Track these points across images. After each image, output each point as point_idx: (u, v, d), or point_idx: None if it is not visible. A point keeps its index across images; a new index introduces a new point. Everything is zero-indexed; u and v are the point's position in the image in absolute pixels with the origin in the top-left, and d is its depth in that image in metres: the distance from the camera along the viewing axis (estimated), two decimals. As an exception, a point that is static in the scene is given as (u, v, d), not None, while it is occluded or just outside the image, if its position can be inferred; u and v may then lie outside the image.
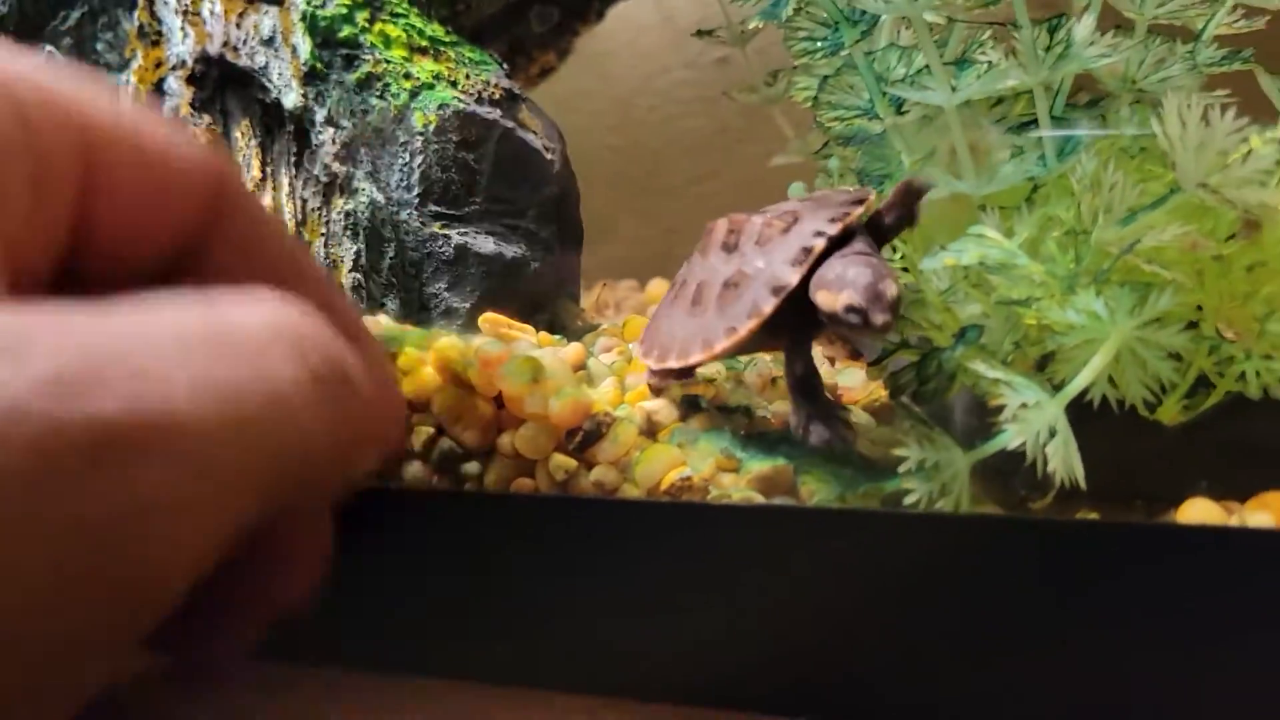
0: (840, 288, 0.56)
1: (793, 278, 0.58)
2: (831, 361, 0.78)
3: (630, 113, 1.50)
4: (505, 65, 0.86)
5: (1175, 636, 0.49)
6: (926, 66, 0.63)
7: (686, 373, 0.66)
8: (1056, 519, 0.53)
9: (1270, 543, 0.49)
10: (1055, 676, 0.51)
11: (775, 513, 0.55)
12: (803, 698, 0.54)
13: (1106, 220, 0.54)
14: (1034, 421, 0.52)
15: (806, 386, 0.61)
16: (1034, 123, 0.63)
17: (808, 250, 0.58)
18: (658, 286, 1.19)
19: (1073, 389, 0.53)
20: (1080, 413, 0.53)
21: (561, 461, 0.60)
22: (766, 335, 0.60)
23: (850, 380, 0.73)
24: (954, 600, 0.52)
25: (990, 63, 0.62)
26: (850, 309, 0.55)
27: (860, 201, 0.61)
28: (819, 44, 0.66)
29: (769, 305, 0.58)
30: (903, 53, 0.66)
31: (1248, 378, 0.54)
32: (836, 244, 0.59)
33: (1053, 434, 0.52)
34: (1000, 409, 0.54)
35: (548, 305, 0.81)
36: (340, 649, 0.62)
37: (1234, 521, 0.52)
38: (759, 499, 0.57)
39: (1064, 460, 0.52)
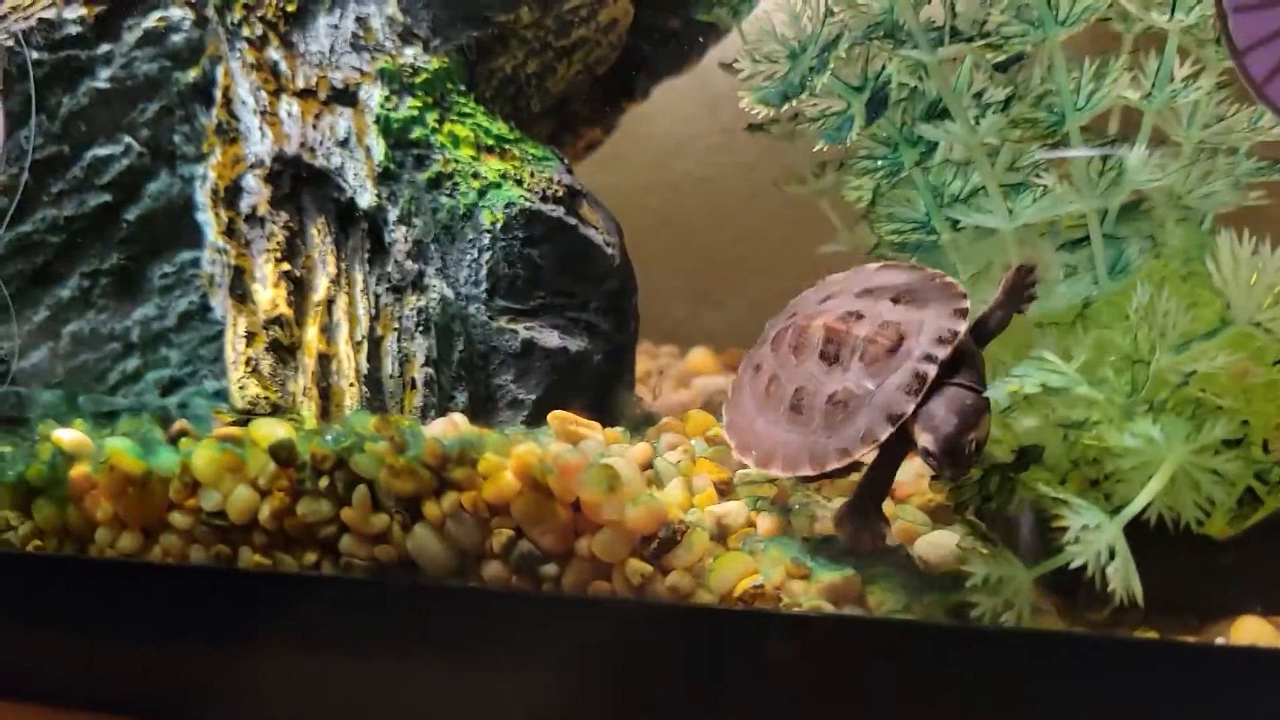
0: (928, 429, 0.58)
1: (908, 407, 0.59)
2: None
3: (665, 176, 1.52)
4: (565, 159, 0.89)
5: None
6: (983, 187, 0.66)
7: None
8: (1120, 636, 0.56)
9: (1322, 666, 0.52)
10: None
11: (846, 622, 0.58)
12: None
13: (1162, 347, 0.57)
14: (1095, 542, 0.55)
15: (876, 494, 0.63)
16: (1084, 240, 0.66)
17: (921, 379, 0.59)
18: (700, 357, 1.22)
19: (1130, 511, 0.56)
20: (1136, 527, 0.56)
21: (637, 566, 0.63)
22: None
23: (902, 474, 0.76)
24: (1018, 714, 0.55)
25: (1046, 186, 0.65)
26: (927, 453, 0.58)
27: (964, 313, 0.61)
28: (879, 163, 0.69)
29: (884, 433, 0.59)
30: (959, 169, 0.69)
31: (1297, 501, 0.57)
32: (946, 368, 0.60)
33: (1112, 554, 0.55)
34: (1059, 526, 0.57)
35: (609, 395, 0.84)
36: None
37: (1288, 642, 0.54)
38: (829, 608, 0.60)
39: (1123, 580, 0.54)
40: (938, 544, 0.66)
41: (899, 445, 0.61)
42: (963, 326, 0.61)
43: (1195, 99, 0.65)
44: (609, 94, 1.13)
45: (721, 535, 0.65)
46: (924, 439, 0.58)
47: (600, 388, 0.83)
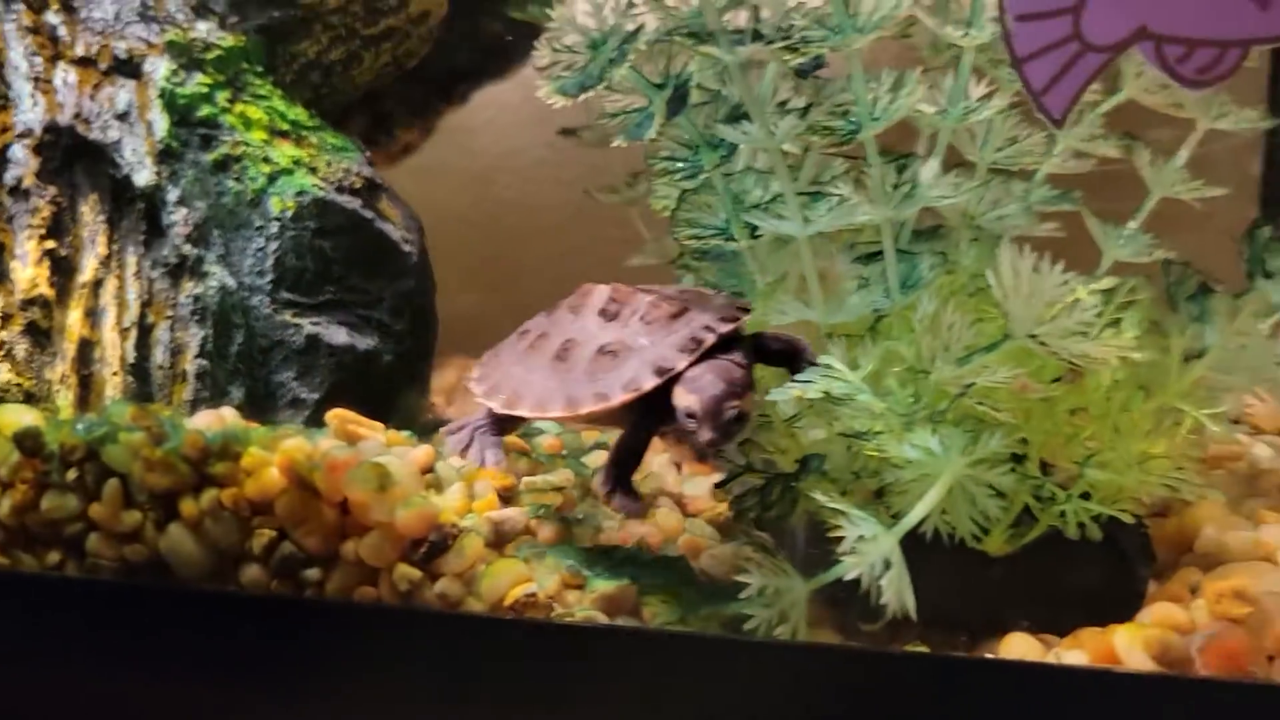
0: (691, 390, 0.58)
1: (679, 363, 0.59)
2: (679, 467, 0.79)
3: (488, 190, 1.50)
4: (367, 150, 0.86)
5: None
6: (781, 194, 0.65)
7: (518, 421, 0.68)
8: (886, 650, 0.55)
9: (1083, 681, 0.52)
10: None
11: (616, 634, 0.56)
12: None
13: (945, 360, 0.56)
14: (870, 553, 0.54)
15: (628, 461, 0.63)
16: (880, 254, 0.65)
17: (698, 341, 0.60)
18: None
19: (908, 523, 0.55)
20: (913, 543, 0.56)
21: (405, 572, 0.59)
22: (624, 410, 0.61)
23: (695, 489, 0.75)
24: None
25: (841, 196, 0.64)
26: (689, 414, 0.57)
27: (747, 310, 0.63)
28: (679, 165, 0.68)
29: (649, 383, 0.59)
30: (759, 177, 0.68)
31: (1067, 517, 0.57)
32: (722, 344, 0.60)
33: (888, 566, 0.54)
34: (837, 537, 0.56)
35: (398, 399, 0.80)
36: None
37: (1051, 658, 0.54)
38: (602, 618, 0.57)
39: (897, 593, 0.54)
40: (722, 557, 0.65)
41: (655, 412, 0.61)
42: (745, 318, 0.62)
43: (989, 118, 0.65)
44: (426, 95, 1.10)
45: (499, 542, 0.62)
46: (687, 400, 0.58)
47: (389, 390, 0.80)
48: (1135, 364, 0.58)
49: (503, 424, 0.70)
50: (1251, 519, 0.65)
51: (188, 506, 0.62)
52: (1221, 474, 0.71)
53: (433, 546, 0.60)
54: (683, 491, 0.75)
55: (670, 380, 0.59)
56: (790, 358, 0.63)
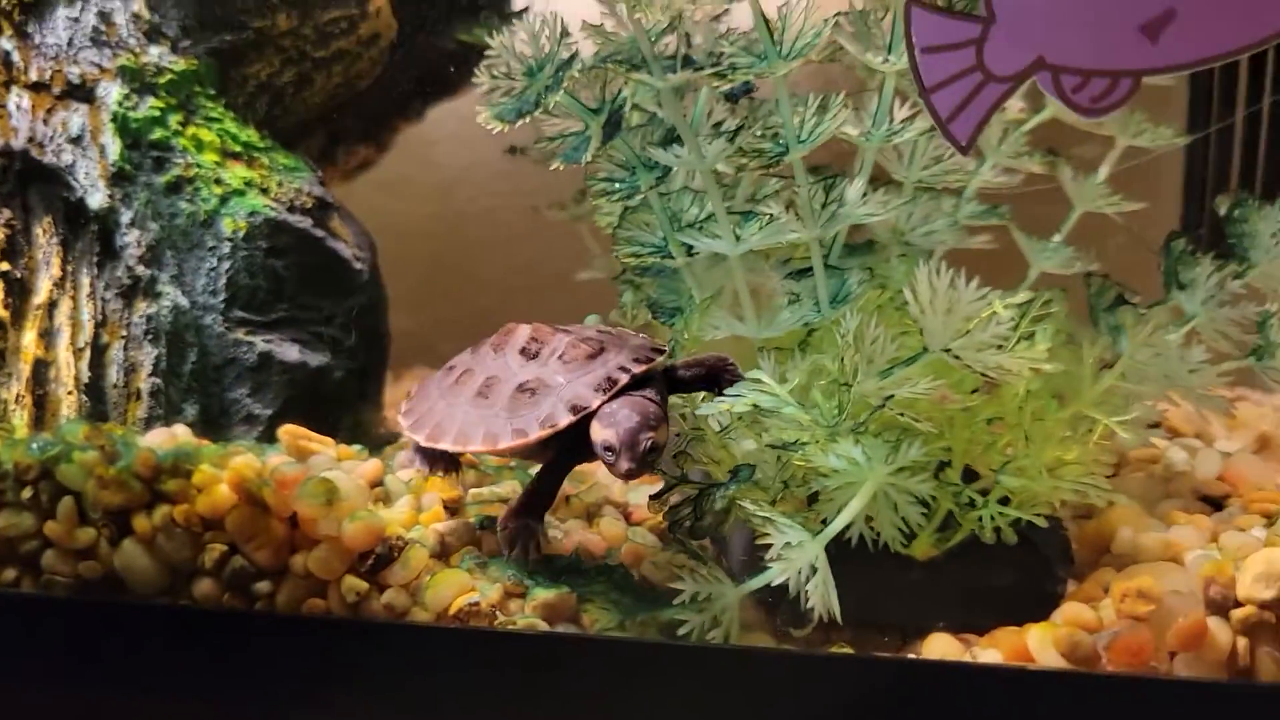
0: (608, 424, 0.61)
1: (594, 401, 0.62)
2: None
3: (450, 202, 1.51)
4: (319, 169, 0.87)
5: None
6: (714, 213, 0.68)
7: (453, 459, 0.71)
8: (812, 652, 0.58)
9: (998, 677, 0.54)
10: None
11: (555, 640, 0.58)
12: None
13: (868, 373, 0.59)
14: (797, 560, 0.57)
15: (539, 500, 0.66)
16: (811, 270, 0.68)
17: (613, 381, 0.63)
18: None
19: (832, 530, 0.57)
20: (843, 549, 0.58)
21: (353, 583, 0.61)
22: (541, 446, 0.64)
23: (640, 499, 0.77)
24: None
25: (772, 215, 0.66)
26: (607, 447, 0.60)
27: (661, 351, 0.66)
28: (617, 185, 0.70)
29: (564, 420, 0.62)
30: (696, 196, 0.71)
31: (984, 522, 0.60)
32: (636, 383, 0.63)
33: (814, 571, 0.56)
34: (765, 544, 0.58)
35: (350, 413, 0.82)
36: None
37: (968, 657, 0.57)
38: (543, 625, 0.59)
39: (822, 597, 0.56)
40: (662, 565, 0.67)
41: (571, 450, 0.63)
42: (660, 357, 0.65)
43: (912, 139, 0.68)
44: (381, 112, 1.11)
45: (444, 553, 0.65)
46: (605, 434, 0.60)
47: (342, 405, 0.82)
48: (1050, 374, 0.60)
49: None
50: (1165, 520, 0.67)
51: (141, 523, 0.63)
52: (1140, 477, 0.74)
53: (379, 558, 0.62)
54: (627, 501, 0.77)
55: (587, 417, 0.62)
56: (710, 380, 0.66)
